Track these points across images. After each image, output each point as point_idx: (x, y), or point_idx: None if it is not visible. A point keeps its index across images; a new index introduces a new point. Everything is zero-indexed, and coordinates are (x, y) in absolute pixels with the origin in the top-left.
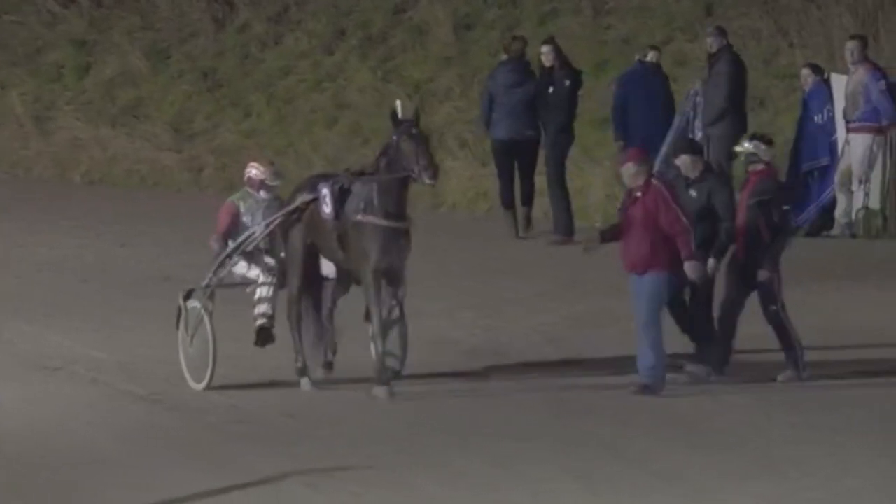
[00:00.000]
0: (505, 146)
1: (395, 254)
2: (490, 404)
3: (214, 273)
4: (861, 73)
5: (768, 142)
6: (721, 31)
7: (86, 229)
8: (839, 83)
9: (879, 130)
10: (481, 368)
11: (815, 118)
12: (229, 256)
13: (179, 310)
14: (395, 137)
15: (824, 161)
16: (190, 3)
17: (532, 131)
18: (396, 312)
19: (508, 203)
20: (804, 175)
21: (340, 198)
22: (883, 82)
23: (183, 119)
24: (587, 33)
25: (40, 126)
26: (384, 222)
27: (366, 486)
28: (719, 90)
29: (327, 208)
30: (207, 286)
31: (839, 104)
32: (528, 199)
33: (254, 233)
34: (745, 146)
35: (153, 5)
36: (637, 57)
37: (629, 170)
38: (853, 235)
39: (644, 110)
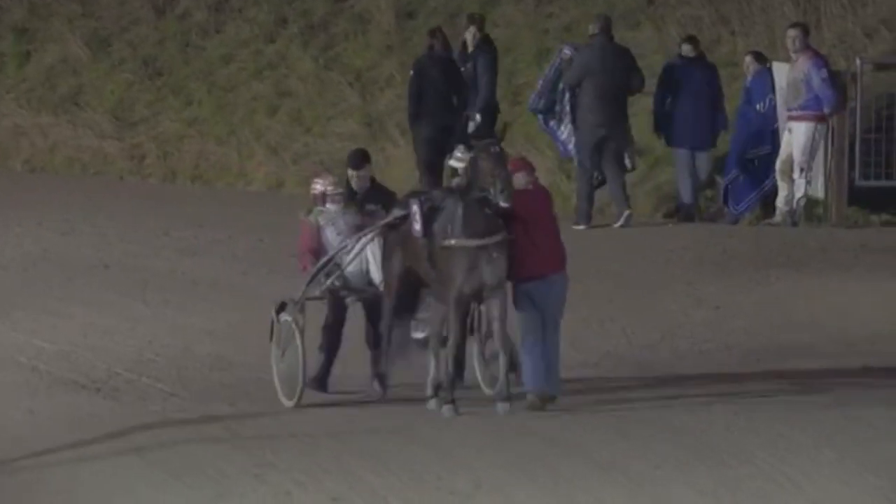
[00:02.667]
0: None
1: (486, 272)
2: None
3: (307, 286)
4: (803, 62)
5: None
6: (599, 19)
7: (27, 217)
8: (781, 71)
9: (821, 119)
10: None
11: (758, 106)
12: (321, 269)
13: (272, 323)
14: (473, 155)
15: (766, 149)
16: None
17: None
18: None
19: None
20: (746, 163)
21: (430, 216)
22: (825, 70)
23: (124, 107)
24: (529, 21)
25: None
26: (470, 243)
27: (307, 475)
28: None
29: (417, 226)
30: (300, 300)
31: (781, 92)
32: None
33: (346, 246)
34: (459, 157)
35: None
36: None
37: (519, 180)
38: (794, 224)
39: (687, 104)
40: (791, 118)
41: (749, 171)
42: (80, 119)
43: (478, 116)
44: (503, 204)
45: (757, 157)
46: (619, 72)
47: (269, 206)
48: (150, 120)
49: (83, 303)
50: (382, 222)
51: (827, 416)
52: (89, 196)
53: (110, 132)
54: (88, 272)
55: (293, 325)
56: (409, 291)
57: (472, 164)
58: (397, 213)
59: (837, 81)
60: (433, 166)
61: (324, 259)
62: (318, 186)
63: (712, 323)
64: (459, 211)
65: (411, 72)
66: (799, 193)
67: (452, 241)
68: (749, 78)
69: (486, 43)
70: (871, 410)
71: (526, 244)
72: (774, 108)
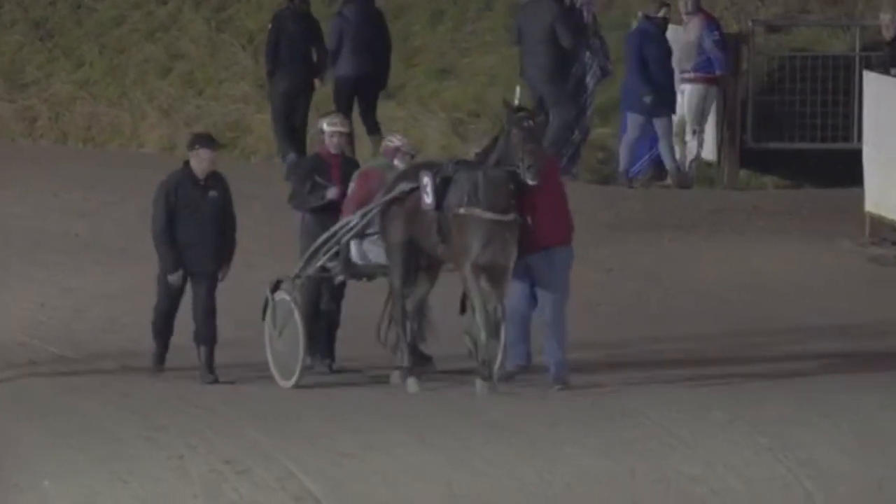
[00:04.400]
0: (351, 82)
1: (499, 249)
2: None
3: (306, 263)
4: (695, 24)
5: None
6: None
7: None
8: (673, 34)
9: (713, 81)
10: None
11: None
12: (321, 247)
13: (266, 301)
14: (507, 127)
15: None
16: None
17: (374, 66)
18: (500, 312)
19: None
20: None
21: (442, 188)
22: (717, 33)
23: (15, 69)
24: None
25: None
26: (489, 215)
27: (200, 438)
28: None
29: (428, 198)
30: (297, 277)
31: (673, 55)
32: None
33: (349, 222)
34: (333, 122)
35: None
36: (642, 14)
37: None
38: (687, 186)
39: (658, 67)
40: (683, 80)
41: (641, 134)
42: None
43: (316, 82)
44: (530, 182)
45: None
46: (543, 28)
47: (162, 169)
48: (41, 82)
49: None
50: (388, 196)
51: (716, 378)
52: None
53: (1, 94)
54: None
55: (292, 304)
56: (413, 265)
57: (505, 137)
58: (403, 186)
59: (729, 44)
60: (288, 121)
61: (325, 235)
62: (396, 142)
63: (605, 285)
64: (479, 182)
65: (269, 26)
66: (691, 156)
67: (470, 210)
68: None
69: (353, 3)
70: (758, 371)
71: (532, 215)
72: None
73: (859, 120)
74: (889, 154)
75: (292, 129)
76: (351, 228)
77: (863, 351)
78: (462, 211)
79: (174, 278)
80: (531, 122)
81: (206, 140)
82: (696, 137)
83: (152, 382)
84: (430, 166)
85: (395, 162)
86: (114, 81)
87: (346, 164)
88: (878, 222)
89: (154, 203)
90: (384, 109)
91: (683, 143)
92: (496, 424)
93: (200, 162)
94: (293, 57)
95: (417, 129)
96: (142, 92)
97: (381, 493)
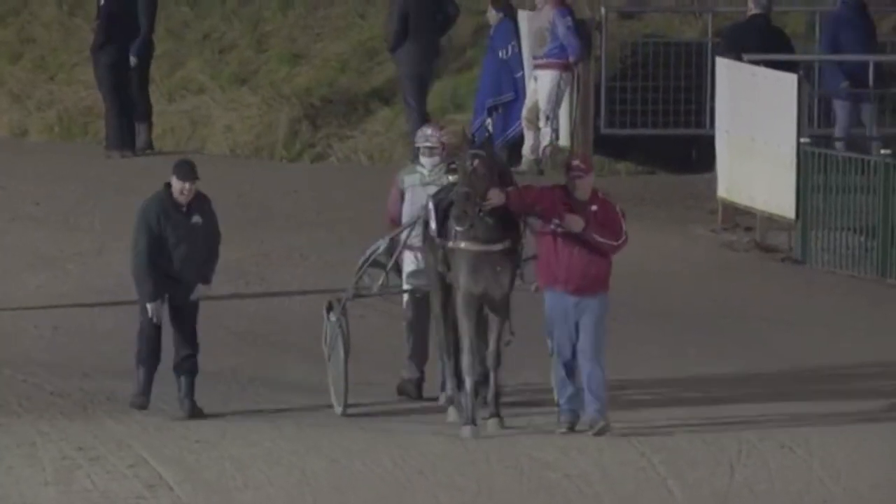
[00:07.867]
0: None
1: (490, 279)
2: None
3: (352, 286)
4: (548, 10)
5: None
6: None
7: None
8: (526, 19)
9: (566, 67)
10: None
11: (500, 53)
12: (362, 267)
13: (324, 323)
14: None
15: (509, 96)
16: None
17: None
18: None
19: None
20: (489, 110)
21: (444, 215)
22: (570, 19)
23: None
24: None
25: None
26: (473, 247)
27: (52, 424)
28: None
29: (433, 224)
30: (346, 298)
31: (526, 40)
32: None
33: (378, 246)
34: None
35: None
36: None
37: (589, 182)
38: (541, 172)
39: (854, 52)
40: (536, 66)
41: (493, 119)
42: None
43: (132, 59)
44: (457, 227)
45: (501, 105)
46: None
47: (13, 154)
48: None
49: None
50: (408, 222)
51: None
52: None
53: None
54: None
55: (336, 327)
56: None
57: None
58: (421, 212)
59: (582, 30)
60: (117, 90)
61: (366, 254)
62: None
63: None
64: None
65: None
66: (545, 141)
67: (457, 243)
68: (493, 26)
69: None
70: (609, 358)
71: (553, 251)
72: (518, 55)
73: (712, 106)
74: (741, 140)
75: (127, 120)
76: (381, 253)
77: (713, 336)
78: (450, 244)
79: (153, 307)
80: (475, 164)
81: (185, 171)
82: (550, 123)
83: (3, 369)
84: (442, 191)
85: (421, 161)
86: None
87: None
88: (731, 208)
89: (136, 231)
90: (237, 95)
91: (537, 128)
92: (351, 412)
93: (179, 191)
94: (121, 29)
95: (270, 115)
96: None
97: (234, 478)
